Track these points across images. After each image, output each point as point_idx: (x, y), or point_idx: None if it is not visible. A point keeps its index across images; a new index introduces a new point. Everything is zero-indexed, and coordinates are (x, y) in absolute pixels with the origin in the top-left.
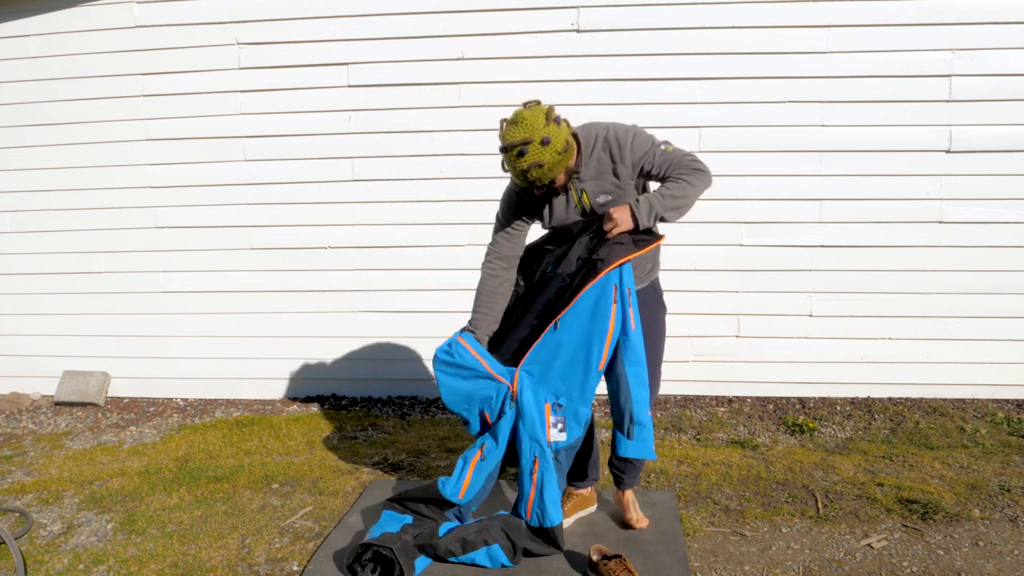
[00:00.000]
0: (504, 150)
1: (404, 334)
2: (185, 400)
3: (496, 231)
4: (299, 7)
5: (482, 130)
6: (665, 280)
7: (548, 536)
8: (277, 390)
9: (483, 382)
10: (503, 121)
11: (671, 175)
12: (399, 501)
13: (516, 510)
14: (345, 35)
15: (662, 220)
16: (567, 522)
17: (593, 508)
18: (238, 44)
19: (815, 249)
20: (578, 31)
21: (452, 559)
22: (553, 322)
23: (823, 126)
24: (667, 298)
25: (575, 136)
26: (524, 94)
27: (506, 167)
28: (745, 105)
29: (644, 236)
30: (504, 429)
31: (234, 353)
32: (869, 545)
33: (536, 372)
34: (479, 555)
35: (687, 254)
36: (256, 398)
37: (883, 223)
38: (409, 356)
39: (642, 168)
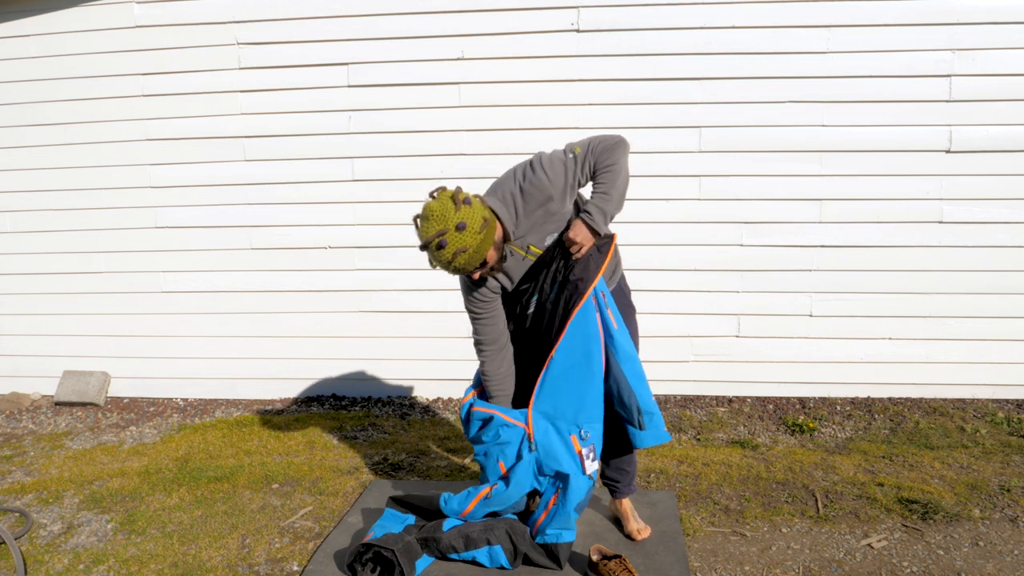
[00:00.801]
0: (424, 247)
1: (404, 334)
2: (185, 400)
3: (472, 320)
4: (299, 7)
5: (482, 130)
6: (665, 280)
7: (552, 552)
8: (277, 390)
9: (503, 430)
10: (415, 218)
11: (597, 169)
12: (401, 503)
13: (524, 520)
14: (345, 35)
15: (612, 217)
16: None
17: None
18: (238, 44)
19: (815, 249)
20: (578, 31)
21: (453, 555)
22: (551, 354)
23: (823, 126)
24: (667, 298)
25: (492, 209)
26: (524, 94)
27: (433, 264)
28: (745, 105)
29: (600, 240)
30: (521, 473)
31: (234, 353)
32: (869, 545)
33: (549, 408)
34: (480, 553)
35: (687, 254)
36: (256, 398)
37: (883, 223)
38: (409, 356)
39: (573, 188)
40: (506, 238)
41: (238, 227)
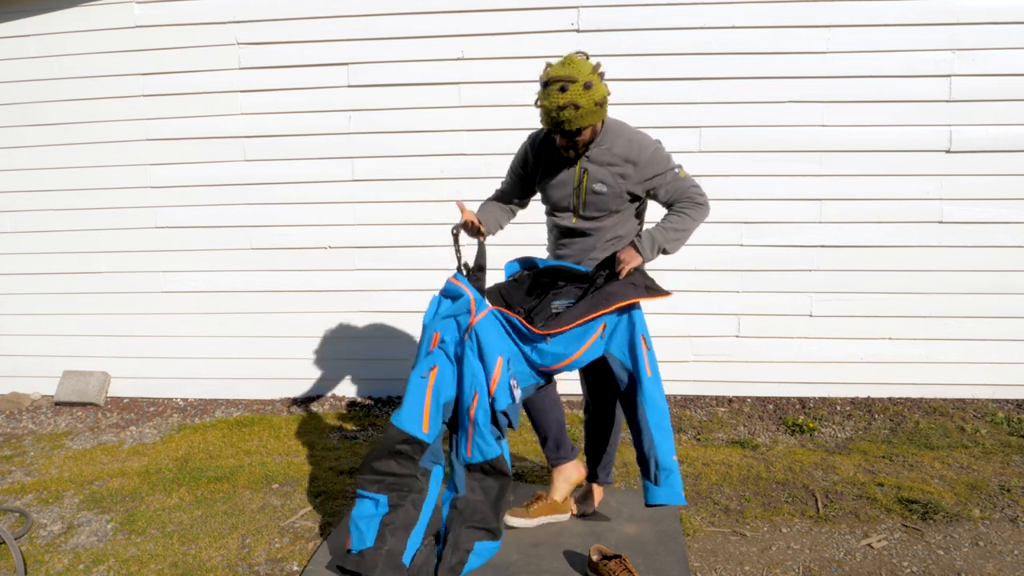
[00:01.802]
0: (546, 83)
1: (404, 334)
2: (185, 400)
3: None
4: (299, 7)
5: (482, 130)
6: (665, 280)
7: (494, 468)
8: (277, 390)
9: (459, 303)
10: (548, 64)
11: (675, 205)
12: (369, 472)
13: (458, 451)
14: (345, 35)
15: (664, 252)
16: (533, 522)
17: (565, 517)
18: (238, 44)
19: (815, 249)
20: (578, 31)
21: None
22: (548, 333)
23: (823, 126)
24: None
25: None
26: (524, 94)
27: (540, 102)
28: (745, 105)
29: (654, 287)
30: (468, 360)
31: (234, 353)
32: (869, 545)
33: (506, 337)
34: (473, 563)
35: (687, 254)
36: (256, 398)
37: (883, 223)
38: (409, 356)
39: (651, 187)
40: (594, 137)
41: (238, 227)
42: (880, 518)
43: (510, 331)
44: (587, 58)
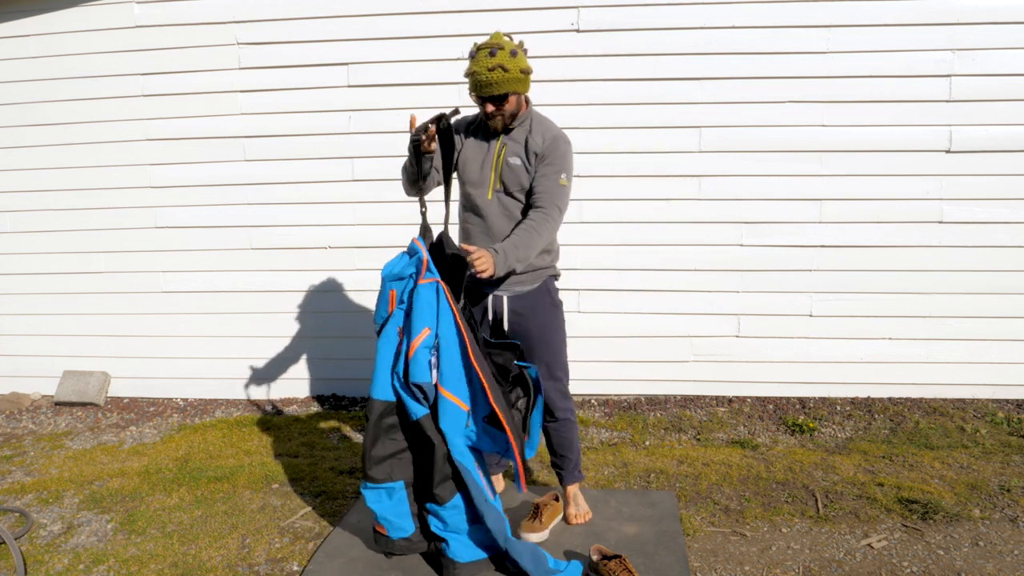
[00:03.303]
0: (474, 54)
1: None
2: (185, 400)
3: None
4: (299, 7)
5: None
6: (665, 280)
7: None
8: (277, 390)
9: (414, 260)
10: (476, 45)
11: (533, 206)
12: (372, 462)
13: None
14: (345, 35)
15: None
16: (543, 535)
17: (559, 517)
18: (238, 44)
19: (815, 249)
20: (578, 31)
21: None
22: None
23: (823, 126)
24: (667, 298)
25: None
26: None
27: (468, 71)
28: (745, 105)
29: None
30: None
31: (234, 353)
32: (869, 545)
33: (436, 314)
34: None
35: (687, 254)
36: (256, 398)
37: (883, 223)
38: None
39: (535, 175)
40: (513, 118)
41: (238, 227)
42: (880, 518)
43: (441, 311)
44: (512, 40)
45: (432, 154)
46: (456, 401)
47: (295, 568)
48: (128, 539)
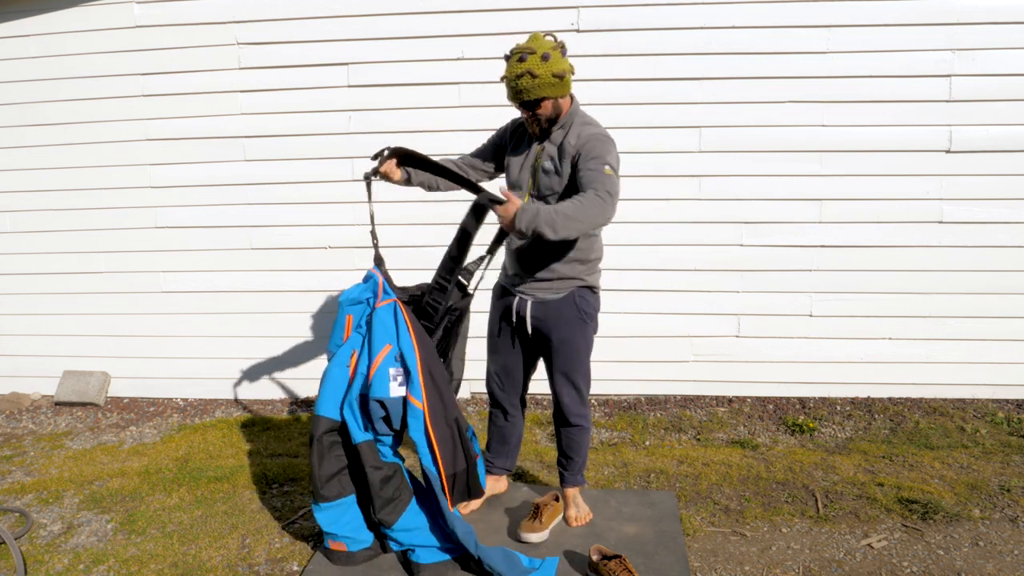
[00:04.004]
0: (507, 56)
1: None
2: (185, 400)
3: None
4: (299, 7)
5: (482, 130)
6: (665, 280)
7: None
8: (277, 390)
9: (368, 284)
10: (516, 44)
11: (582, 188)
12: (322, 482)
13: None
14: (345, 35)
15: (538, 234)
16: (543, 535)
17: (559, 517)
18: (238, 44)
19: (815, 249)
20: (578, 31)
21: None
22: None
23: (823, 126)
24: (667, 298)
25: (572, 96)
26: None
27: (504, 76)
28: (745, 105)
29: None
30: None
31: (234, 353)
32: (869, 545)
33: (396, 334)
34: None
35: (687, 254)
36: (256, 398)
37: (883, 223)
38: None
39: (576, 158)
40: (557, 115)
41: (238, 227)
42: (880, 518)
43: (400, 328)
44: (555, 39)
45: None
46: (422, 407)
47: (295, 568)
48: (128, 539)
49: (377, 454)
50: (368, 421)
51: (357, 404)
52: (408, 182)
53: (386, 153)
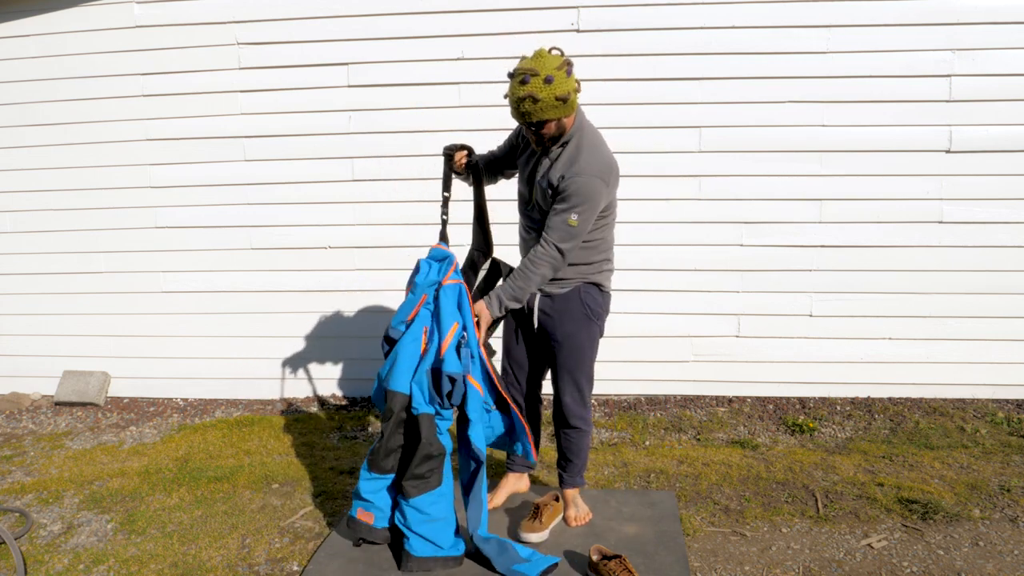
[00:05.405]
0: (511, 75)
1: None
2: (185, 400)
3: None
4: (299, 7)
5: (482, 130)
6: (665, 280)
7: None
8: (277, 390)
9: (445, 264)
10: (523, 56)
11: (545, 228)
12: (383, 453)
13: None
14: (345, 35)
15: (513, 306)
16: (543, 536)
17: (559, 517)
18: (238, 44)
19: (815, 249)
20: (578, 31)
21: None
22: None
23: (823, 126)
24: (667, 298)
25: (581, 114)
26: None
27: (506, 95)
28: (745, 105)
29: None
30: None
31: (234, 353)
32: (869, 545)
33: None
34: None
35: (687, 254)
36: (256, 398)
37: (883, 223)
38: None
39: (553, 193)
40: (561, 133)
41: (238, 227)
42: (880, 518)
43: (464, 308)
44: (561, 54)
45: (461, 173)
46: (478, 387)
47: (295, 568)
48: (128, 539)
49: (435, 428)
50: (434, 395)
51: (426, 377)
52: (458, 176)
53: (466, 152)
